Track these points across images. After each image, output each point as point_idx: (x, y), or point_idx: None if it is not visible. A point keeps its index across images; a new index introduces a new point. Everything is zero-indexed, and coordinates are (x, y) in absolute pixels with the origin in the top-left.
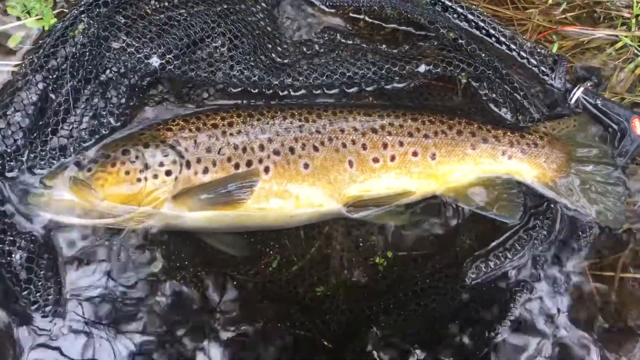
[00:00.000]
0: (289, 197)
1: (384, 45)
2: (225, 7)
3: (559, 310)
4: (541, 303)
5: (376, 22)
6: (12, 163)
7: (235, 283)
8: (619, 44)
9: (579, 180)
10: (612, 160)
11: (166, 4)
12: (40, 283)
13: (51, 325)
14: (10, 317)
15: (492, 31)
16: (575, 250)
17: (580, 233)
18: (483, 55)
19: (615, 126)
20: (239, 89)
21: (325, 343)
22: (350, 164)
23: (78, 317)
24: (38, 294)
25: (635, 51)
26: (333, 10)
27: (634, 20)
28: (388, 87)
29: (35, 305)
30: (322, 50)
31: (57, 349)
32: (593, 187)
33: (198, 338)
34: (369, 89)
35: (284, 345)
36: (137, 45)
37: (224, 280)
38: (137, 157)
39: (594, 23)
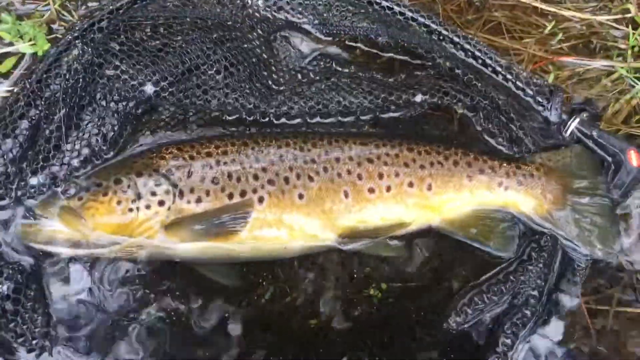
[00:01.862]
0: (283, 227)
1: (380, 74)
2: (221, 34)
3: (553, 343)
4: (536, 336)
5: (372, 50)
6: (1, 191)
7: (227, 314)
8: (615, 75)
9: (574, 212)
10: (608, 193)
11: (162, 30)
12: (27, 315)
13: None
14: None
15: (488, 61)
16: (571, 283)
17: (575, 266)
18: (479, 85)
19: (610, 158)
20: (234, 117)
21: None
22: (346, 194)
23: (66, 351)
24: (25, 326)
25: (631, 82)
26: (329, 39)
27: (630, 51)
28: (384, 116)
29: (22, 338)
30: (317, 78)
31: None
32: (589, 219)
33: None
34: (364, 117)
35: None
36: (131, 72)
37: (215, 312)
38: (129, 187)
39: (590, 54)
